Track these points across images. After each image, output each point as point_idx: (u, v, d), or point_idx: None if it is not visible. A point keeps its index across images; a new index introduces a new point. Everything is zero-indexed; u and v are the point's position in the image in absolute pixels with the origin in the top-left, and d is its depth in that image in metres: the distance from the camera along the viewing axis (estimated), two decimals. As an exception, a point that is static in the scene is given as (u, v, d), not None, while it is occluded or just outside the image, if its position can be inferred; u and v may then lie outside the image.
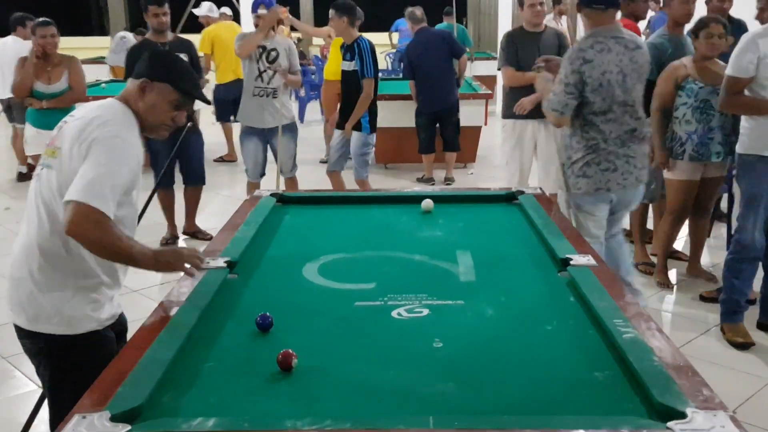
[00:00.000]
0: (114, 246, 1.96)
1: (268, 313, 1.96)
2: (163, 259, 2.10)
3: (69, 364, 2.13)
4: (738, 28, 4.72)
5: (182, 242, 5.49)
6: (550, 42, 4.93)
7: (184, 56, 5.41)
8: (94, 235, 1.92)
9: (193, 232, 5.56)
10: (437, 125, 7.06)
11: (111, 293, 2.21)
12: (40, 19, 5.26)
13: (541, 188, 3.42)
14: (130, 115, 2.13)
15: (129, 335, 2.17)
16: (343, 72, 5.49)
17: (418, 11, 7.19)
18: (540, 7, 4.87)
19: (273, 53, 5.34)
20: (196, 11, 8.96)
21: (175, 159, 5.18)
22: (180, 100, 2.16)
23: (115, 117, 2.08)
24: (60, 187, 2.02)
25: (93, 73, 8.88)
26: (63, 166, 2.03)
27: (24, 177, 7.82)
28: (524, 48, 4.86)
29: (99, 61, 11.11)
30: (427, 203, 3.12)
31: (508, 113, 5.05)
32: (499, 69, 5.25)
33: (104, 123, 2.03)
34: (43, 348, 2.15)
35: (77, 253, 2.06)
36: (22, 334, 2.17)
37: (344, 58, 5.45)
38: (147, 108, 2.14)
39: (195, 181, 5.47)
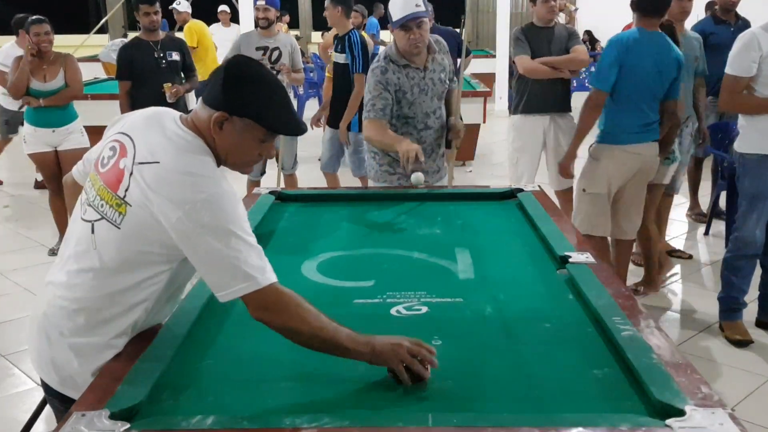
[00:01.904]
0: (307, 329, 1.66)
1: None
2: (380, 348, 1.68)
3: None
4: (745, 27, 4.71)
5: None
6: (562, 37, 4.86)
7: (176, 55, 5.41)
8: (279, 321, 1.67)
9: None
10: None
11: None
12: (34, 17, 5.21)
13: (539, 186, 3.41)
14: (207, 150, 1.75)
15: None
16: (335, 64, 5.41)
17: (429, 8, 7.16)
18: (554, 3, 4.81)
19: (275, 53, 5.32)
20: (176, 7, 8.92)
21: None
22: (268, 134, 1.77)
23: (201, 166, 1.70)
24: (123, 259, 1.71)
25: (90, 71, 8.85)
26: (130, 228, 1.69)
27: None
28: (536, 43, 4.80)
29: (96, 59, 11.08)
30: (417, 177, 3.15)
31: (522, 108, 4.84)
32: (513, 62, 5.06)
33: (192, 182, 1.65)
34: None
35: (126, 311, 1.77)
36: (51, 392, 1.86)
37: (335, 50, 5.39)
38: (226, 147, 1.75)
39: None
